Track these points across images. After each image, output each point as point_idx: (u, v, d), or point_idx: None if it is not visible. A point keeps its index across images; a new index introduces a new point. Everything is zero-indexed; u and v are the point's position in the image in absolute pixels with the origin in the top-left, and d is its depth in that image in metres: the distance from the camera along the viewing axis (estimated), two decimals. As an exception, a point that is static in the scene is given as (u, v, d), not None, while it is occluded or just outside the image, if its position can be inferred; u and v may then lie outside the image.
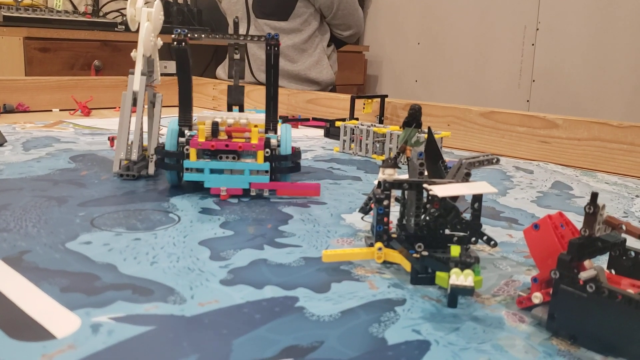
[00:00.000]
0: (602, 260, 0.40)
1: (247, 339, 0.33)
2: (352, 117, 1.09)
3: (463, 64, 2.58)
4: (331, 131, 1.10)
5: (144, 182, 0.69)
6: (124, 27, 2.08)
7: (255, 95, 1.45)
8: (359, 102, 1.13)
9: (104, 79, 1.47)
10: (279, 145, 0.64)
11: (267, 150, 0.62)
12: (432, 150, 0.49)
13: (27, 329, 0.33)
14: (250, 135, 0.62)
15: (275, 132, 0.66)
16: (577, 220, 0.58)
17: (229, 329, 0.34)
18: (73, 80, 1.41)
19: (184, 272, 0.43)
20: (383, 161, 0.46)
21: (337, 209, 0.61)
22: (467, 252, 0.42)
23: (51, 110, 1.35)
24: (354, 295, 0.40)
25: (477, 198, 0.42)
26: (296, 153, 0.65)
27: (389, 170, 0.45)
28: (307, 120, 1.27)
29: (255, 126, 0.63)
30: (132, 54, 0.70)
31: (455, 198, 0.45)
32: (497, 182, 0.78)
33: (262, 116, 0.66)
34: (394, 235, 0.44)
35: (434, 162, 0.49)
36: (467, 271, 0.37)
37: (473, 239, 0.42)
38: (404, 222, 0.46)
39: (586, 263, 0.35)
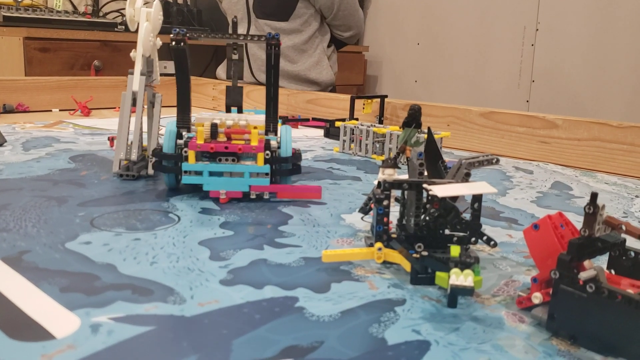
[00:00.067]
0: (602, 261, 0.40)
1: (247, 339, 0.33)
2: (351, 117, 1.09)
3: (463, 64, 2.58)
4: (331, 131, 1.10)
5: (144, 182, 0.69)
6: (123, 27, 2.08)
7: (255, 96, 1.45)
8: (358, 103, 1.13)
9: (104, 79, 1.47)
10: (279, 147, 0.63)
11: (267, 152, 0.61)
12: (432, 150, 0.49)
13: (27, 329, 0.33)
14: (250, 137, 0.62)
15: (276, 134, 0.65)
16: (577, 221, 0.58)
17: (229, 329, 0.34)
18: (73, 81, 1.41)
19: (184, 272, 0.43)
20: (383, 161, 0.46)
21: (337, 209, 0.61)
22: (467, 252, 0.42)
23: (51, 111, 1.35)
24: (353, 295, 0.40)
25: (477, 198, 0.42)
26: (296, 155, 0.64)
27: (388, 171, 0.45)
28: (307, 120, 1.27)
29: (255, 128, 0.62)
30: (132, 54, 0.70)
31: (455, 198, 0.45)
32: (496, 182, 0.78)
33: (261, 117, 0.65)
34: (394, 236, 0.44)
35: (433, 162, 0.49)
36: (467, 271, 0.37)
37: (473, 239, 0.42)
38: (404, 222, 0.46)
39: (586, 263, 0.35)
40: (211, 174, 0.61)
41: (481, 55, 2.51)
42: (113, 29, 2.06)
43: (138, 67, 0.70)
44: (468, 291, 0.36)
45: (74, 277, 0.41)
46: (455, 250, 0.38)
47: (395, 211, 0.46)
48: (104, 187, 0.66)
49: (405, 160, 0.79)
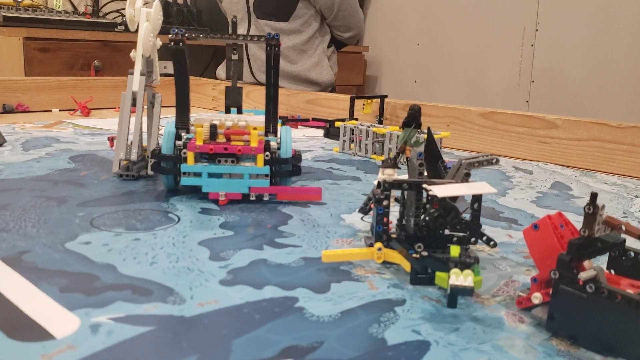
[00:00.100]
0: (602, 261, 0.40)
1: (247, 339, 0.33)
2: (351, 117, 1.09)
3: (463, 65, 2.59)
4: (331, 131, 1.10)
5: (144, 182, 0.69)
6: (123, 27, 2.08)
7: (255, 96, 1.45)
8: (358, 103, 1.13)
9: (104, 79, 1.47)
10: (279, 148, 0.62)
11: (267, 153, 0.61)
12: (432, 150, 0.49)
13: (27, 329, 0.33)
14: (250, 138, 0.61)
15: (275, 135, 0.64)
16: (577, 221, 0.58)
17: (228, 329, 0.34)
18: (73, 81, 1.41)
19: (184, 272, 0.43)
20: (383, 161, 0.46)
21: (336, 209, 0.61)
22: (466, 252, 0.42)
23: (51, 111, 1.35)
24: (353, 295, 0.40)
25: (477, 198, 0.42)
26: (297, 156, 0.63)
27: (388, 171, 0.45)
28: (307, 120, 1.27)
29: (255, 128, 0.62)
30: (132, 54, 0.70)
31: (454, 198, 0.45)
32: (496, 182, 0.78)
33: (261, 117, 0.65)
34: (394, 236, 0.44)
35: (433, 163, 0.49)
36: (467, 271, 0.37)
37: (473, 239, 0.42)
38: (404, 222, 0.46)
39: (586, 263, 0.35)
40: (210, 175, 0.60)
41: (481, 55, 2.51)
42: (113, 29, 2.06)
43: (138, 67, 0.70)
44: (468, 291, 0.36)
45: (73, 277, 0.41)
46: (455, 251, 0.38)
47: (395, 211, 0.46)
48: (103, 187, 0.66)
49: (405, 160, 0.79)
